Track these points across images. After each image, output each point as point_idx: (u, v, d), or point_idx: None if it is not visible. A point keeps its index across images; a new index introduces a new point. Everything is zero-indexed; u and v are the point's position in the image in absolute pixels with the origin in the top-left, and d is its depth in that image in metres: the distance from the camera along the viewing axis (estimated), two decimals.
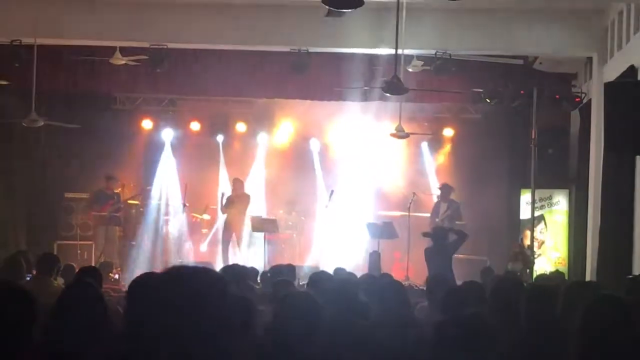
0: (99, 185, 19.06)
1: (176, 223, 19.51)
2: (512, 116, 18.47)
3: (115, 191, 19.06)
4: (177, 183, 19.80)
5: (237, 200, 18.84)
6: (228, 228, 18.82)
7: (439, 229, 15.58)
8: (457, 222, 17.67)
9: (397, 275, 16.46)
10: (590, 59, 16.57)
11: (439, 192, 18.94)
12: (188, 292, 3.18)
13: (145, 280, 4.65)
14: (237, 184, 19.07)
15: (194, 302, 3.17)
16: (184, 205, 18.85)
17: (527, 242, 17.22)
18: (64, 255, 15.30)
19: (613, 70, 14.82)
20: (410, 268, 17.77)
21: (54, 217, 19.59)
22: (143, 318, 3.45)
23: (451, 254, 14.33)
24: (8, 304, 3.46)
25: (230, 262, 15.88)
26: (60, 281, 10.18)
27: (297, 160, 20.36)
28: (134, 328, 3.41)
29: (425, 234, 15.63)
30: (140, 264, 17.68)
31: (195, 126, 20.21)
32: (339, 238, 19.51)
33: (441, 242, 14.38)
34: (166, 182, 20.10)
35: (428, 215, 18.83)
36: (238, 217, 18.83)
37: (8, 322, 3.38)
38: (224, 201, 18.81)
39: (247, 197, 19.06)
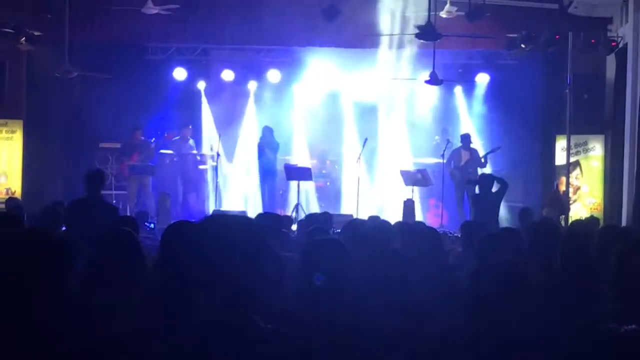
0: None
1: (211, 172, 19.56)
2: (547, 61, 18.27)
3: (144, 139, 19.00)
4: (213, 133, 19.78)
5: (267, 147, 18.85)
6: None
7: (485, 175, 15.31)
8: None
9: (432, 222, 16.52)
10: (626, 2, 16.32)
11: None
12: (225, 238, 3.20)
13: (182, 228, 4.67)
14: (266, 131, 18.96)
15: (231, 248, 3.19)
16: (218, 155, 18.85)
17: (562, 188, 17.16)
18: None
19: None
20: (444, 215, 17.77)
21: (90, 168, 19.56)
22: (179, 264, 3.47)
23: (498, 201, 14.22)
24: (45, 253, 3.48)
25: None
26: None
27: (330, 108, 20.28)
28: (170, 274, 3.43)
29: (469, 182, 15.60)
30: (175, 214, 17.77)
31: (228, 75, 20.15)
32: (373, 186, 19.51)
33: (488, 189, 14.30)
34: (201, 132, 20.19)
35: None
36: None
37: (45, 271, 3.40)
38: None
39: (277, 144, 19.01)
